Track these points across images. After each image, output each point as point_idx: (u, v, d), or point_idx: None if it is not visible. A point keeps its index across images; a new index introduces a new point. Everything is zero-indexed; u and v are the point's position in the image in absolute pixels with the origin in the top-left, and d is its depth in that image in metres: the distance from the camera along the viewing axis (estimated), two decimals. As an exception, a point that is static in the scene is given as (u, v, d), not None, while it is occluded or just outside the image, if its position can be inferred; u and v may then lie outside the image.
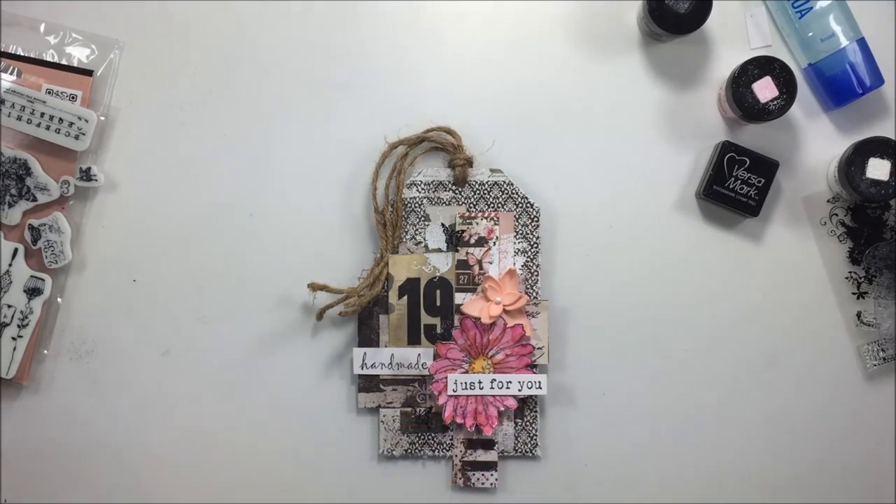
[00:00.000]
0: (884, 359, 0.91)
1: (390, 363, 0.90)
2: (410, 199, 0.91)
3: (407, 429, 0.90)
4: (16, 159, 0.89)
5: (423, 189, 0.91)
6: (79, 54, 0.91)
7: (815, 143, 0.92)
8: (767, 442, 0.92)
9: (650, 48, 0.92)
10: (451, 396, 0.89)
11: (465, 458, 0.90)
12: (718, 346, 0.92)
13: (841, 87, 0.90)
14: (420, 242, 0.90)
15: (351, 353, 0.90)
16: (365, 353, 0.90)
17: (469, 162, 0.90)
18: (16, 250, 0.89)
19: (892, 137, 0.88)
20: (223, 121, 0.91)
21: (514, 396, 0.89)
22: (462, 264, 0.90)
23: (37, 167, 0.89)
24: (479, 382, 0.89)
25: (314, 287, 0.88)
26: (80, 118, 0.88)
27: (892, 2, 0.92)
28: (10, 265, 0.89)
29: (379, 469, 0.91)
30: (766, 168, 0.89)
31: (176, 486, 0.91)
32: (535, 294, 0.90)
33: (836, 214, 0.92)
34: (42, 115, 0.88)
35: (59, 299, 0.91)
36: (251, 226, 0.91)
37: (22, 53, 0.90)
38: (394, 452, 0.90)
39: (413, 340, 0.90)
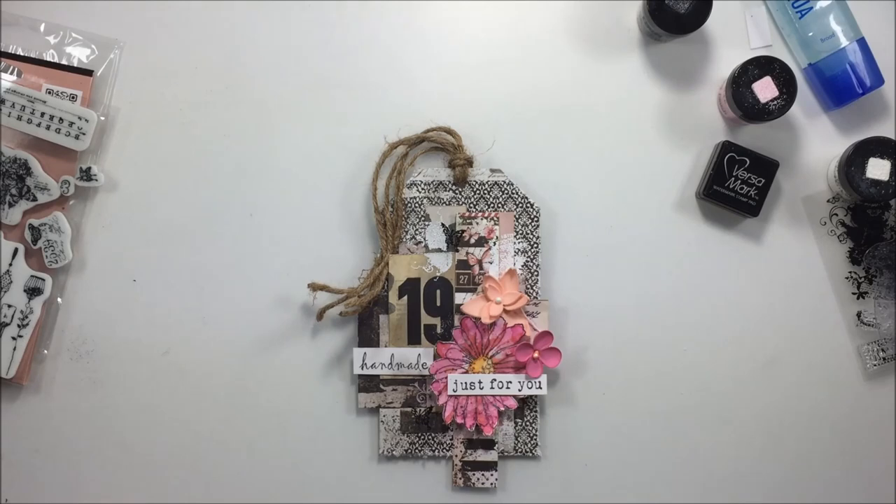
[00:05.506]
0: (884, 359, 0.91)
1: (390, 363, 0.90)
2: (410, 199, 0.91)
3: (407, 429, 0.90)
4: (16, 159, 0.89)
5: (423, 189, 0.91)
6: (79, 54, 0.91)
7: (815, 143, 0.92)
8: (767, 442, 0.92)
9: (650, 48, 0.92)
10: (451, 396, 0.89)
11: (465, 458, 0.90)
12: (718, 345, 0.92)
13: (841, 87, 0.90)
14: (420, 242, 0.90)
15: (351, 353, 0.90)
16: (365, 353, 0.90)
17: (469, 162, 0.90)
18: (16, 250, 0.89)
19: (892, 137, 0.88)
20: (223, 121, 0.91)
21: (514, 396, 0.89)
22: (462, 264, 0.90)
23: (37, 167, 0.89)
24: (479, 382, 0.89)
25: (314, 287, 0.88)
26: (80, 118, 0.88)
27: (892, 2, 0.92)
28: (10, 265, 0.89)
29: (379, 469, 0.91)
30: (766, 168, 0.89)
31: (176, 486, 0.91)
32: (535, 294, 0.90)
33: (836, 214, 0.92)
34: (42, 114, 0.88)
35: (59, 299, 0.91)
36: (251, 226, 0.91)
37: (22, 53, 0.90)
38: (394, 452, 0.90)
39: (413, 340, 0.90)
